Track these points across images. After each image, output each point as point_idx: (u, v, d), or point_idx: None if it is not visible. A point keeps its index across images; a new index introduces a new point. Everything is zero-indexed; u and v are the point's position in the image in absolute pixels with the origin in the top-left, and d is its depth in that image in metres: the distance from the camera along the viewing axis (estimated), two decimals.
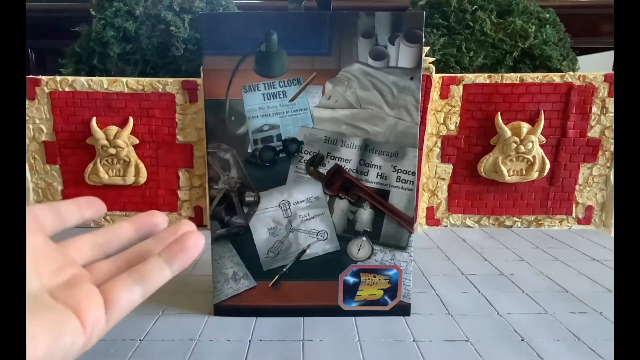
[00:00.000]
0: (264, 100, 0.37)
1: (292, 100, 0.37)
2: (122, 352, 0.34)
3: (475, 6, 0.76)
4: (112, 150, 0.65)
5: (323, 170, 0.38)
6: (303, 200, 0.38)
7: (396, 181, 0.38)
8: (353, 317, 0.40)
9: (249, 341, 0.36)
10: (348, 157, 0.38)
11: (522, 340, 0.36)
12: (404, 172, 0.38)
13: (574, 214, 0.70)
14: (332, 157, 0.38)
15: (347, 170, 0.38)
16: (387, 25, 0.36)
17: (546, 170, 0.66)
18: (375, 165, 0.38)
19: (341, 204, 0.38)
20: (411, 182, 0.38)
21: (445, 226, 0.71)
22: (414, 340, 0.36)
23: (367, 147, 0.38)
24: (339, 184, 0.38)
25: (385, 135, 0.37)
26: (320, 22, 0.35)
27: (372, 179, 0.38)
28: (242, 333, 0.37)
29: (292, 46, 0.36)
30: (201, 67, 0.64)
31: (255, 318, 0.39)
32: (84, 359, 0.36)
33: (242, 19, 0.35)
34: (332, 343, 0.36)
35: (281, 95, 0.37)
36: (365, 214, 0.38)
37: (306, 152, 0.38)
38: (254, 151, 0.37)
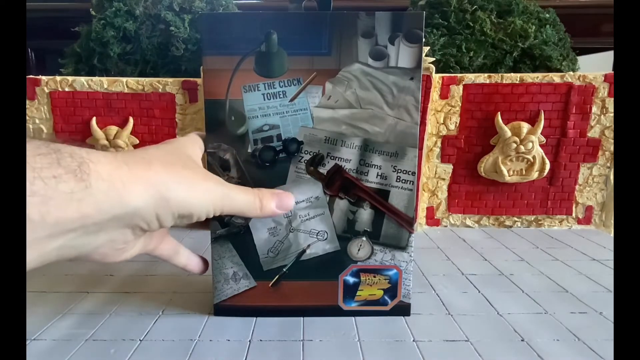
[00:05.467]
0: (264, 100, 0.37)
1: (292, 100, 0.37)
2: (122, 352, 0.34)
3: (475, 6, 0.76)
4: (112, 151, 0.65)
5: (323, 170, 0.38)
6: (303, 200, 0.38)
7: (396, 181, 0.38)
8: (353, 317, 0.40)
9: (249, 341, 0.36)
10: (348, 157, 0.38)
11: (522, 340, 0.36)
12: (404, 172, 0.38)
13: (574, 214, 0.70)
14: (332, 157, 0.38)
15: (347, 170, 0.38)
16: (387, 25, 0.36)
17: (546, 170, 0.66)
18: (375, 165, 0.38)
19: (341, 204, 0.38)
20: (411, 182, 0.38)
21: (445, 226, 0.71)
22: (414, 340, 0.36)
23: (367, 147, 0.38)
24: (338, 184, 0.38)
25: (385, 135, 0.37)
26: (320, 22, 0.35)
27: (372, 179, 0.38)
28: (242, 333, 0.37)
29: (292, 46, 0.36)
30: (201, 67, 0.64)
31: (255, 318, 0.39)
32: (82, 358, 0.36)
33: (242, 19, 0.35)
34: (332, 343, 0.36)
35: (281, 95, 0.37)
36: (365, 214, 0.38)
37: (306, 152, 0.38)
38: (254, 151, 0.37)
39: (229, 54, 0.36)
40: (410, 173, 0.38)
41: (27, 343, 0.36)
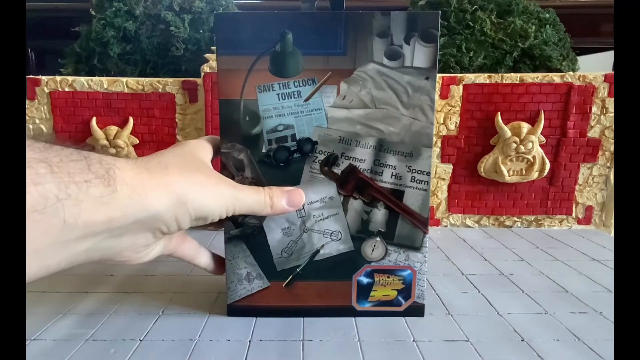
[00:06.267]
0: (279, 100, 0.37)
1: (306, 100, 0.37)
2: (122, 352, 0.34)
3: (475, 6, 0.76)
4: (112, 151, 0.65)
5: (337, 170, 0.38)
6: (317, 201, 0.38)
7: (411, 181, 0.38)
8: (353, 318, 0.40)
9: (249, 341, 0.36)
10: (362, 157, 0.38)
11: (522, 340, 0.36)
12: (419, 172, 0.38)
13: (574, 214, 0.70)
14: (347, 157, 0.38)
15: (361, 170, 0.38)
16: (402, 24, 0.36)
17: (546, 170, 0.66)
18: (389, 166, 0.38)
19: (355, 204, 0.38)
20: (426, 183, 0.38)
21: (445, 226, 0.71)
22: (414, 340, 0.36)
23: (381, 147, 0.38)
24: (353, 184, 0.38)
25: (400, 135, 0.37)
26: (335, 21, 0.35)
27: (386, 179, 0.38)
28: (242, 333, 0.37)
29: (307, 46, 0.35)
30: (201, 67, 0.64)
31: (255, 318, 0.39)
32: (82, 358, 0.36)
33: (257, 19, 0.35)
34: (332, 343, 0.36)
35: (296, 95, 0.37)
36: (379, 215, 0.38)
37: (320, 152, 0.38)
38: (268, 151, 0.37)
39: (244, 54, 0.35)
40: (424, 173, 0.38)
41: (27, 343, 0.36)
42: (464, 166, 0.69)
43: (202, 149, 0.35)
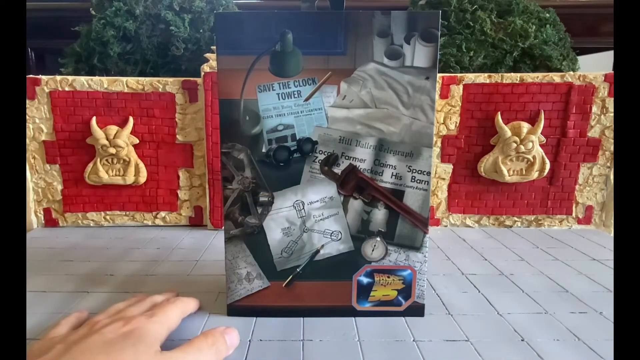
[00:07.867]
0: (279, 100, 0.37)
1: (306, 99, 0.37)
2: None
3: (475, 6, 0.76)
4: (112, 150, 0.65)
5: (337, 170, 0.38)
6: (317, 200, 0.38)
7: (411, 181, 0.38)
8: (353, 317, 0.40)
9: (249, 341, 0.36)
10: (362, 157, 0.38)
11: (522, 340, 0.36)
12: (419, 172, 0.38)
13: (574, 214, 0.70)
14: (347, 157, 0.38)
15: (361, 170, 0.38)
16: (402, 24, 0.36)
17: (546, 170, 0.66)
18: (389, 165, 0.38)
19: (355, 204, 0.38)
20: (426, 182, 0.38)
21: (445, 226, 0.71)
22: (414, 340, 0.36)
23: (381, 147, 0.38)
24: (353, 183, 0.38)
25: (400, 135, 0.37)
26: (335, 21, 0.35)
27: (386, 179, 0.38)
28: (242, 333, 0.37)
29: (307, 45, 0.35)
30: (201, 67, 0.64)
31: (255, 318, 0.39)
32: None
33: (257, 18, 0.35)
34: (332, 343, 0.36)
35: (296, 95, 0.37)
36: (379, 214, 0.38)
37: (320, 152, 0.38)
38: (268, 151, 0.37)
39: (244, 54, 0.35)
40: (425, 173, 0.38)
41: (27, 343, 0.36)
42: (464, 166, 0.69)
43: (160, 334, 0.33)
